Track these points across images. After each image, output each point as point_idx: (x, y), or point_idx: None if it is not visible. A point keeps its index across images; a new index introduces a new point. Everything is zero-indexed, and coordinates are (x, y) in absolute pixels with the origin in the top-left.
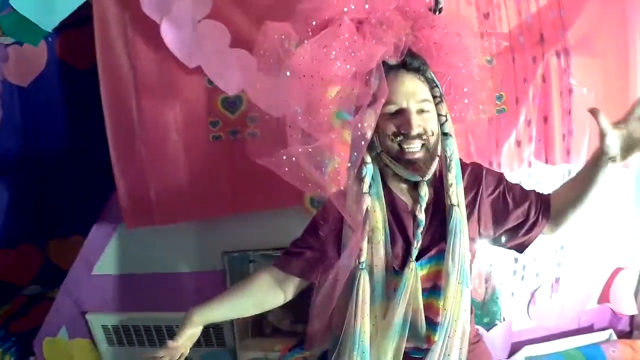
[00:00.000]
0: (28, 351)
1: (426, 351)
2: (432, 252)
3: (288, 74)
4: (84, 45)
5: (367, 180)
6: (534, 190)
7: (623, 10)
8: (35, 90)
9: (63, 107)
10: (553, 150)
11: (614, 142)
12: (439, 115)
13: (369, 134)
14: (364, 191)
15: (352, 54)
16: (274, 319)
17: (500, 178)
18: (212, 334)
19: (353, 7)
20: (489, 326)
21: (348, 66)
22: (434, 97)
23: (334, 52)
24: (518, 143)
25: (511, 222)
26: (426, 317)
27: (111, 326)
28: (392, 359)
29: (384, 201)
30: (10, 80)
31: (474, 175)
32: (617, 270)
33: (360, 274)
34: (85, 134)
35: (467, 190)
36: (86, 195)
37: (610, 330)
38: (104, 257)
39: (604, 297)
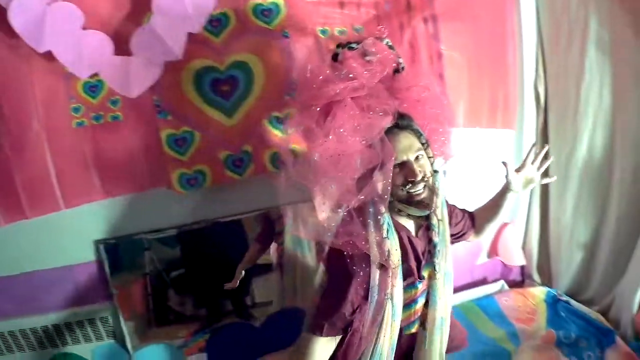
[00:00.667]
0: None
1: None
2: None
3: (316, 158)
4: None
5: (385, 227)
6: (464, 210)
7: None
8: None
9: None
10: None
11: (516, 182)
12: (428, 157)
13: (386, 194)
14: (384, 236)
15: (359, 128)
16: (176, 304)
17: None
18: (101, 327)
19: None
20: None
21: (358, 138)
22: (422, 144)
23: (343, 130)
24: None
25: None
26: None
27: None
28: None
29: (397, 240)
30: None
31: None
32: (504, 225)
33: (386, 304)
34: None
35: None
36: None
37: (502, 281)
38: None
39: (493, 251)
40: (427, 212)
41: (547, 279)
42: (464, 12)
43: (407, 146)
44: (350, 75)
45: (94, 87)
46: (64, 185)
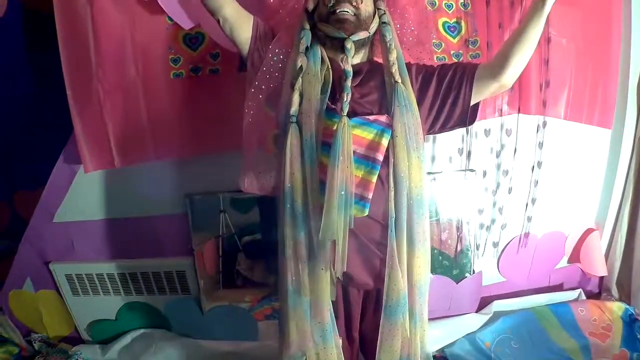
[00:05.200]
0: None
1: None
2: (370, 119)
3: None
4: None
5: (304, 42)
6: (457, 63)
7: None
8: None
9: (25, 53)
10: (529, 100)
11: None
12: (377, 9)
13: (310, 6)
14: (300, 51)
15: None
16: (245, 269)
17: (435, 67)
18: (177, 281)
19: None
20: (458, 278)
21: None
22: None
23: None
24: None
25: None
26: (356, 194)
27: (75, 275)
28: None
29: (319, 63)
30: None
31: (421, 71)
32: (589, 231)
33: (290, 128)
34: (48, 78)
35: (422, 85)
36: (51, 143)
37: (580, 290)
38: (64, 204)
39: (574, 257)
40: (343, 34)
41: (625, 295)
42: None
43: None
44: None
45: (194, 38)
46: (156, 136)
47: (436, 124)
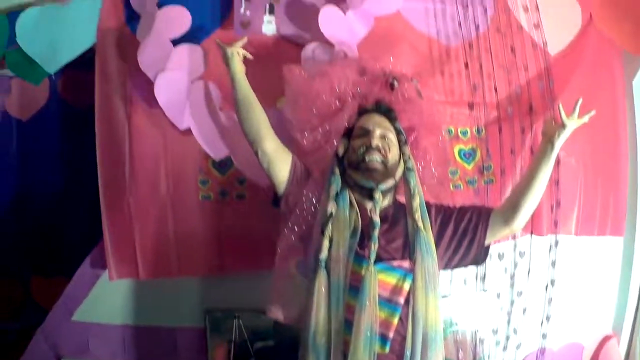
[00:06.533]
0: None
1: None
2: (394, 264)
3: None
4: (86, 85)
5: (334, 188)
6: (474, 205)
7: (612, 78)
8: (34, 125)
9: (60, 145)
10: (540, 221)
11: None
12: (402, 154)
13: (339, 152)
14: (330, 196)
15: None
16: None
17: (453, 209)
18: None
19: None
20: None
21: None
22: (399, 141)
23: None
24: None
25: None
26: (379, 333)
27: None
28: None
29: (348, 208)
30: (10, 112)
31: (440, 212)
32: (607, 339)
33: (319, 272)
34: (80, 174)
35: (440, 226)
36: (75, 236)
37: None
38: (84, 304)
39: None
40: (371, 183)
41: None
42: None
43: (377, 121)
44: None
45: (223, 163)
46: (181, 253)
47: (450, 263)
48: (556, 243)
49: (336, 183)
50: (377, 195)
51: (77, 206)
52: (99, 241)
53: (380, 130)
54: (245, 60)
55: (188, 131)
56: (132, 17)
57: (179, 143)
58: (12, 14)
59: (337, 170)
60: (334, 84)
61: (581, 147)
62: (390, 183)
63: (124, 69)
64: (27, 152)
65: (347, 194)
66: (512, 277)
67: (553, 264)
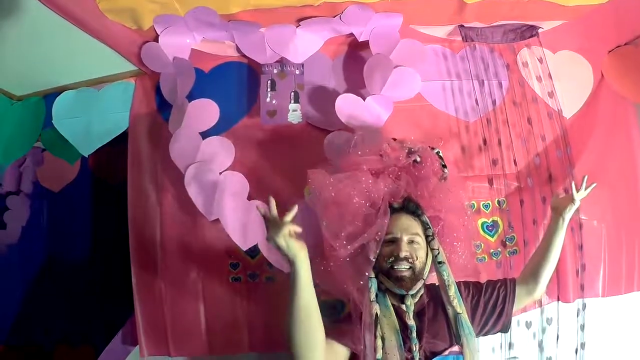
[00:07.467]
0: None
1: None
2: (446, 353)
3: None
4: (116, 162)
5: (373, 290)
6: (497, 280)
7: (629, 138)
8: (64, 197)
9: (89, 217)
10: (566, 287)
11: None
12: (431, 249)
13: (372, 257)
14: (371, 299)
15: (367, 193)
16: None
17: (481, 286)
18: None
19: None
20: None
21: (363, 201)
22: (427, 236)
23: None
24: None
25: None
26: None
27: None
28: None
29: (392, 310)
30: (42, 183)
31: (469, 290)
32: None
33: None
34: (108, 245)
35: (472, 303)
36: (101, 308)
37: None
38: None
39: None
40: (402, 292)
41: None
42: (602, 177)
43: (405, 226)
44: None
45: (252, 248)
46: (211, 333)
47: (480, 333)
48: (584, 307)
49: (373, 286)
50: (409, 301)
51: (106, 276)
52: (127, 312)
53: (408, 236)
54: (272, 149)
55: (219, 222)
56: (163, 104)
57: (209, 228)
58: (49, 97)
59: (372, 273)
60: (362, 185)
61: (602, 208)
62: (419, 285)
63: (155, 155)
64: (57, 222)
65: (386, 297)
66: (540, 343)
67: (582, 327)
